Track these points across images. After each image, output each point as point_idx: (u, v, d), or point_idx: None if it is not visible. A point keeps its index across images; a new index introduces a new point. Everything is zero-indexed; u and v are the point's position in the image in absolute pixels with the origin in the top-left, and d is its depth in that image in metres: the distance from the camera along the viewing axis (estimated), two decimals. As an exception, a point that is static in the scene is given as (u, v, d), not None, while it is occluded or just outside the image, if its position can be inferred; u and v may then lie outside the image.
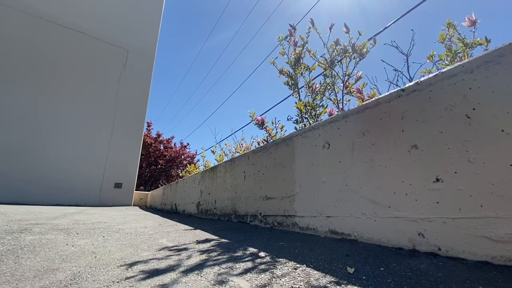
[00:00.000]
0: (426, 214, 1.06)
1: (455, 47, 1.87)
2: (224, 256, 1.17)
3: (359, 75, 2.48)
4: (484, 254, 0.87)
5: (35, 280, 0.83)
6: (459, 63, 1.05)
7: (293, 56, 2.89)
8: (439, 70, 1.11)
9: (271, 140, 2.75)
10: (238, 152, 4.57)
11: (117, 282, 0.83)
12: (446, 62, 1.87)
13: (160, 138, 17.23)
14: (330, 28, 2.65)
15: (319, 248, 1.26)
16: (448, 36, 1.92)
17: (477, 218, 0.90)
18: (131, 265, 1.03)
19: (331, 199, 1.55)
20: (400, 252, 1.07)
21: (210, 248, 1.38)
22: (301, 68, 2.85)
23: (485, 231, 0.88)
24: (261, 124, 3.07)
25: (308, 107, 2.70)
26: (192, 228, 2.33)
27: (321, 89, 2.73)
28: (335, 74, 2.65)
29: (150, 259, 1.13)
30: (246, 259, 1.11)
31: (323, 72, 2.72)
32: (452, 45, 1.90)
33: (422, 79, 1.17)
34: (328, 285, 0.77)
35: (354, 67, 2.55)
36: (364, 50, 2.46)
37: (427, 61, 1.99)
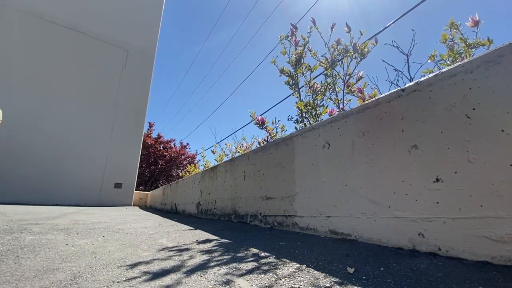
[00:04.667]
0: (426, 214, 1.06)
1: (457, 47, 1.87)
2: (224, 257, 1.17)
3: (360, 75, 2.49)
4: (484, 254, 0.87)
5: (35, 280, 0.83)
6: (459, 63, 1.05)
7: (294, 56, 2.89)
8: (440, 70, 1.11)
9: (271, 140, 2.75)
10: (238, 152, 4.57)
11: (117, 282, 0.83)
12: (448, 62, 1.86)
13: (161, 139, 17.24)
14: (332, 28, 2.64)
15: (319, 248, 1.26)
16: (450, 36, 1.92)
17: (477, 218, 0.90)
18: (131, 265, 1.03)
19: (331, 199, 1.55)
20: (400, 252, 1.07)
21: (210, 248, 1.38)
22: (302, 68, 2.85)
23: (485, 231, 0.88)
24: (261, 124, 3.07)
25: (308, 107, 2.70)
26: (192, 228, 2.33)
27: (321, 89, 2.73)
28: (336, 73, 2.65)
29: (150, 260, 1.13)
30: (246, 259, 1.11)
31: (324, 72, 2.72)
32: (454, 45, 1.90)
33: (422, 79, 1.17)
34: (328, 285, 0.77)
35: (355, 66, 2.55)
36: (366, 50, 2.46)
37: (429, 61, 1.98)
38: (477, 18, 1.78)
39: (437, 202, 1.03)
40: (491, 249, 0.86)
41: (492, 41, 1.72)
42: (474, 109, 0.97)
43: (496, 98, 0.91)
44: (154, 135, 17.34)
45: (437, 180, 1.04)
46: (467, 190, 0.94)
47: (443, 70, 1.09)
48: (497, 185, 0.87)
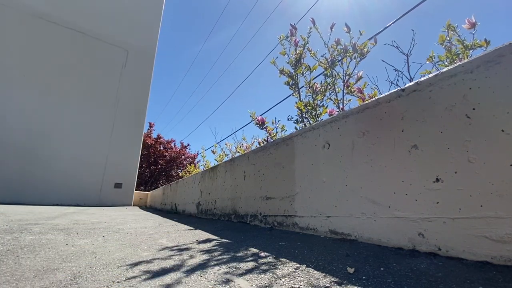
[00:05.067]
0: (426, 214, 1.06)
1: (454, 48, 1.88)
2: (224, 256, 1.17)
3: (360, 75, 2.49)
4: (484, 254, 0.87)
5: (35, 280, 0.83)
6: (459, 63, 1.05)
7: (294, 56, 2.89)
8: (439, 70, 1.11)
9: (271, 140, 2.74)
10: (238, 152, 4.57)
11: (117, 282, 0.83)
12: (446, 63, 1.87)
13: (161, 139, 17.24)
14: (331, 28, 2.64)
15: (319, 248, 1.26)
16: (447, 37, 1.93)
17: (477, 218, 0.90)
18: (131, 265, 1.03)
19: (331, 199, 1.55)
20: (400, 252, 1.07)
21: (210, 248, 1.38)
22: (302, 68, 2.85)
23: (485, 231, 0.88)
24: (261, 124, 3.07)
25: (308, 107, 2.70)
26: (192, 228, 2.33)
27: (321, 89, 2.73)
28: (336, 74, 2.65)
29: (150, 259, 1.13)
30: (246, 259, 1.11)
31: (323, 72, 2.72)
32: (451, 46, 1.91)
33: (422, 79, 1.17)
34: (328, 285, 0.77)
35: (355, 67, 2.55)
36: (365, 50, 2.47)
37: (427, 62, 2.00)
38: (474, 20, 1.79)
39: (437, 202, 1.03)
40: (491, 249, 0.86)
41: (489, 42, 1.72)
42: (474, 109, 0.97)
43: (496, 98, 0.91)
44: (154, 135, 17.35)
45: (437, 180, 1.04)
46: (467, 190, 0.94)
47: (443, 70, 1.09)
48: (497, 185, 0.87)
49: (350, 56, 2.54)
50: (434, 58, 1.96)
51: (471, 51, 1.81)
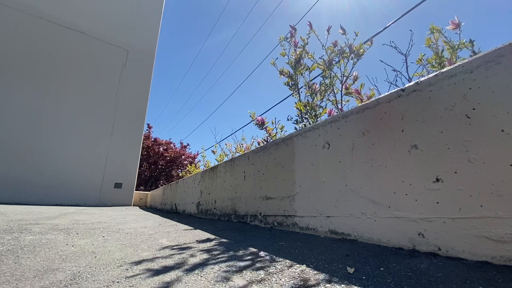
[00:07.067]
0: (426, 214, 1.06)
1: (441, 49, 1.92)
2: (224, 256, 1.17)
3: (355, 75, 2.50)
4: (484, 254, 0.87)
5: (35, 280, 0.83)
6: (459, 63, 1.05)
7: (293, 57, 2.90)
8: (439, 71, 1.11)
9: (271, 140, 2.74)
10: (238, 152, 4.57)
11: (117, 282, 0.83)
12: (434, 64, 1.90)
13: (158, 140, 17.20)
14: (328, 30, 2.66)
15: (319, 248, 1.26)
16: (433, 40, 1.96)
17: (477, 218, 0.90)
18: (131, 265, 1.03)
19: (331, 199, 1.55)
20: (400, 252, 1.07)
21: (210, 248, 1.38)
22: (301, 69, 2.86)
23: (485, 231, 0.88)
24: (261, 124, 3.07)
25: (308, 107, 2.70)
26: (192, 228, 2.33)
27: (321, 89, 2.73)
28: (334, 75, 2.65)
29: (150, 259, 1.13)
30: (246, 259, 1.11)
31: (321, 74, 2.73)
32: (438, 48, 1.94)
33: (422, 79, 1.17)
34: (328, 285, 0.77)
35: (352, 67, 2.56)
36: (361, 51, 2.47)
37: (417, 64, 2.04)
38: (457, 21, 1.82)
39: (437, 202, 1.03)
40: (491, 249, 0.86)
41: (474, 41, 1.77)
42: (474, 109, 0.97)
43: (496, 98, 0.91)
44: (153, 136, 17.32)
45: (437, 180, 1.04)
46: (467, 190, 0.94)
47: (443, 70, 1.09)
48: (497, 185, 0.87)
49: (347, 57, 2.54)
50: (423, 60, 2.00)
51: (458, 51, 1.84)
